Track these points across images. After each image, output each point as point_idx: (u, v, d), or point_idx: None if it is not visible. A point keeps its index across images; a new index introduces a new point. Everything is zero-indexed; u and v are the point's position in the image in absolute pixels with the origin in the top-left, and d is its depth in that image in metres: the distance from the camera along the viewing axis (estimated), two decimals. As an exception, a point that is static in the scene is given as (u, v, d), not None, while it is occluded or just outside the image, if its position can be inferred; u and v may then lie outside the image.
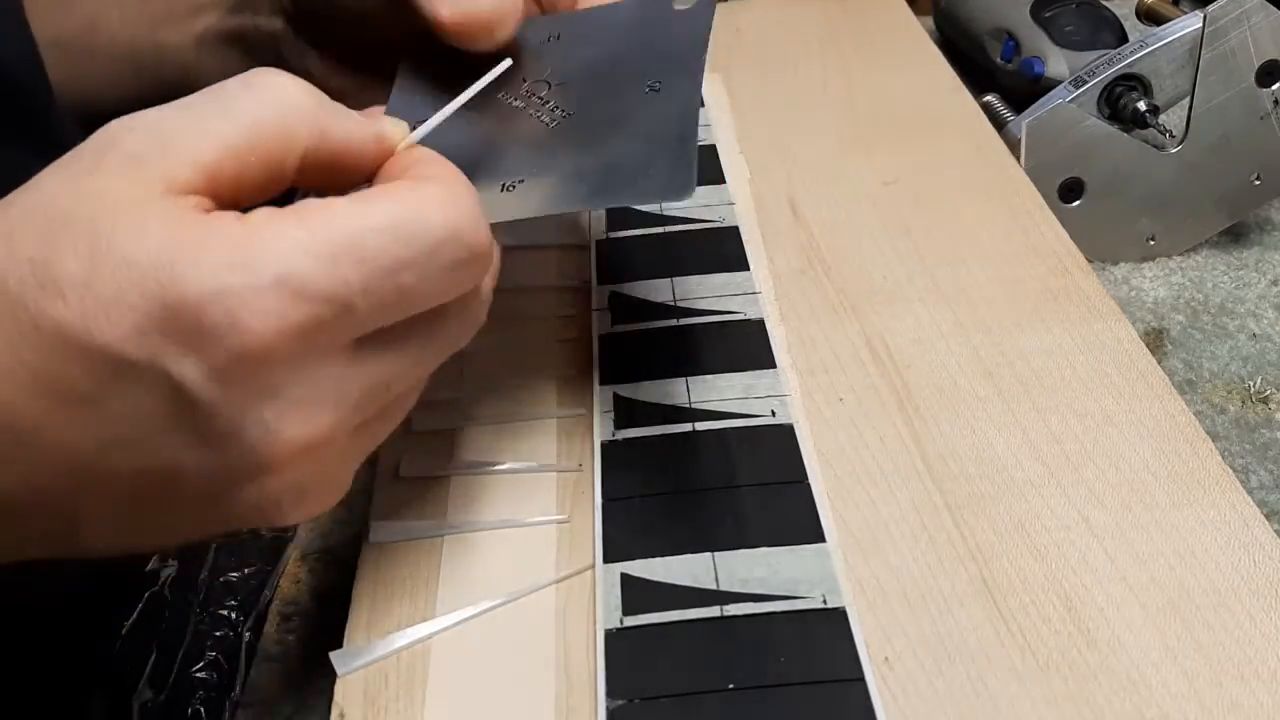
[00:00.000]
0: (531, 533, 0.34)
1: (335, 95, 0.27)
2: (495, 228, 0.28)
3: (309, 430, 0.24)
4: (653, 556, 0.32)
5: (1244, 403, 0.51)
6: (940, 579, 0.31)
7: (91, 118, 0.25)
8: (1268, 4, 0.56)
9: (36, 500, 0.24)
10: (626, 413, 0.37)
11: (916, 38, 0.63)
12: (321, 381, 0.24)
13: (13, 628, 0.35)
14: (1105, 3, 0.72)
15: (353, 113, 0.27)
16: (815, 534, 0.32)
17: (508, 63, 0.32)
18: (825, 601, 0.30)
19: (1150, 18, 0.68)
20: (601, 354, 0.39)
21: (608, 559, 0.32)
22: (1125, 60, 0.59)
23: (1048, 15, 0.70)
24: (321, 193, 0.26)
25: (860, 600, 0.31)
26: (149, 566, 0.43)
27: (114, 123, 0.25)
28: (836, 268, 0.44)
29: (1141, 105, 0.58)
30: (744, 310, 0.41)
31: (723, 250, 0.44)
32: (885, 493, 0.34)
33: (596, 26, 0.35)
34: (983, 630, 0.30)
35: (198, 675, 0.40)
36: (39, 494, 0.24)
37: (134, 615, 0.42)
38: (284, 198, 0.26)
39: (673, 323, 0.40)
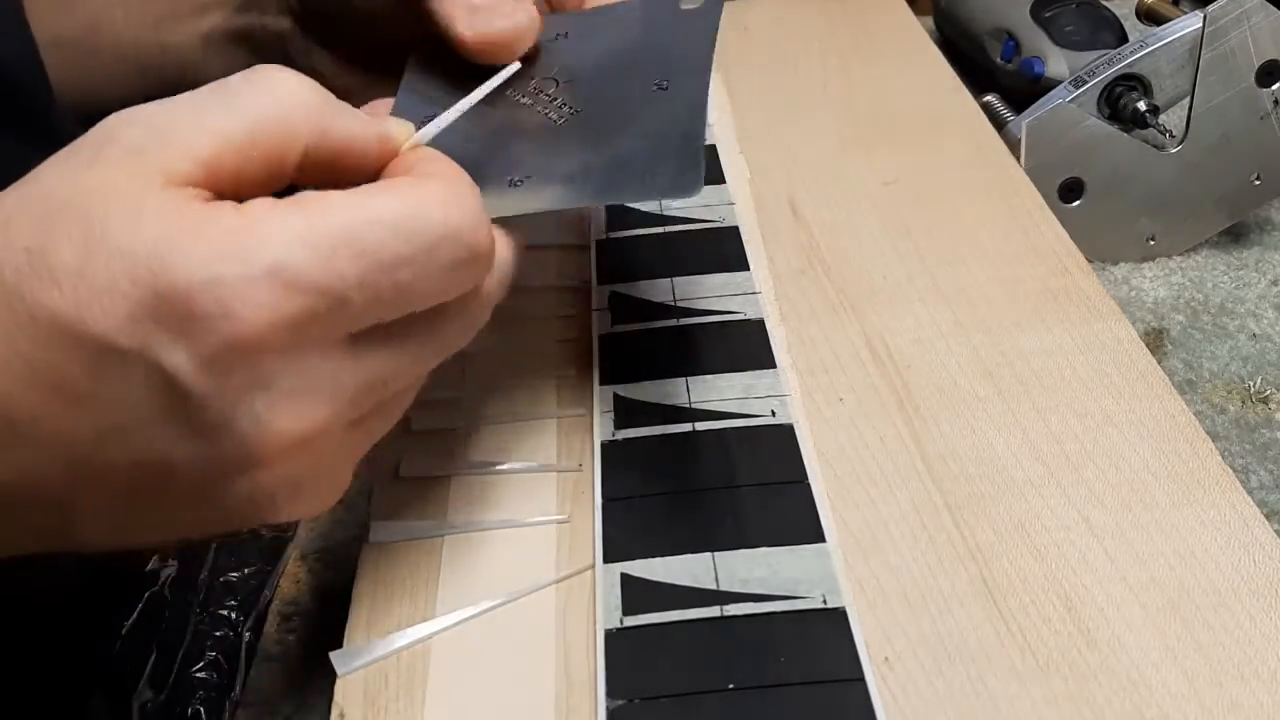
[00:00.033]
0: (531, 533, 0.34)
1: (342, 94, 0.27)
2: (517, 230, 0.28)
3: (301, 423, 0.24)
4: (653, 556, 0.32)
5: (1244, 403, 0.51)
6: (940, 579, 0.31)
7: (95, 117, 0.25)
8: (1268, 4, 0.56)
9: (32, 492, 0.24)
10: (626, 413, 0.37)
11: (916, 38, 0.63)
12: (315, 374, 0.24)
13: (13, 627, 0.35)
14: (1105, 3, 0.72)
15: (357, 111, 0.27)
16: (815, 534, 0.32)
17: (516, 65, 0.32)
18: (825, 601, 0.30)
19: (1150, 18, 0.68)
20: (601, 354, 0.39)
21: (608, 559, 0.32)
22: (1125, 60, 0.59)
23: (1048, 15, 0.70)
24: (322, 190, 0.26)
25: (860, 600, 0.31)
26: (149, 566, 0.43)
27: (113, 116, 0.24)
28: (836, 268, 0.44)
29: (1141, 105, 0.58)
30: (744, 310, 0.41)
31: (723, 250, 0.44)
32: (885, 493, 0.34)
33: (605, 25, 0.36)
34: (983, 630, 0.30)
35: (198, 675, 0.40)
36: (35, 486, 0.24)
37: (134, 615, 0.42)
38: (285, 195, 0.26)
39: (673, 323, 0.40)
